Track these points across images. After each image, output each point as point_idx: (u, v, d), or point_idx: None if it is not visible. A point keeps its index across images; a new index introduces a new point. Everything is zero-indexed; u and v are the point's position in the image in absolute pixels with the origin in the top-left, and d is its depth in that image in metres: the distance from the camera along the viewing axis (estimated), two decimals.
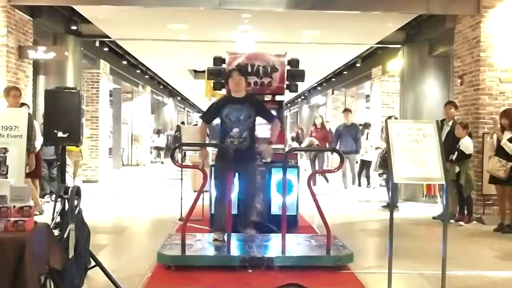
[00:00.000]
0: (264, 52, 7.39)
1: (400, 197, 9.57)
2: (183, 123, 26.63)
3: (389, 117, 10.06)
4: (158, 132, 23.94)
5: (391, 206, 9.08)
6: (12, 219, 3.26)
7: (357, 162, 12.97)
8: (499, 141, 7.58)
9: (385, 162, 8.58)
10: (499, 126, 7.79)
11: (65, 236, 3.71)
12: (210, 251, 5.61)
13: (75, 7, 9.84)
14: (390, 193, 9.42)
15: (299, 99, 28.53)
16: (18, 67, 8.57)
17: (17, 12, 8.47)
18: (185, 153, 8.77)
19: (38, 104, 9.87)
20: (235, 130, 5.84)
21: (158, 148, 23.52)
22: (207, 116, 6.26)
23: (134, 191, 12.12)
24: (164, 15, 9.83)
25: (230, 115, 5.88)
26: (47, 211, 7.91)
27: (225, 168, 5.62)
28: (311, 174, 5.72)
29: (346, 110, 12.59)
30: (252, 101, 6.11)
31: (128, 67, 16.35)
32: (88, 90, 13.37)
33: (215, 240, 5.84)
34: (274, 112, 7.13)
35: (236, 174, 5.91)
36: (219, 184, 5.92)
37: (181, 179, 8.59)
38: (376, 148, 10.74)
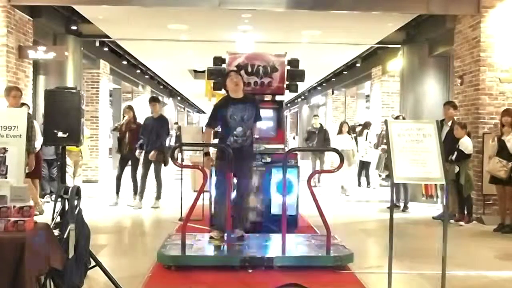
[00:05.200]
0: (264, 52, 7.39)
1: (400, 196, 9.56)
2: (176, 123, 26.64)
3: (397, 117, 10.07)
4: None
5: (404, 207, 9.28)
6: (12, 219, 3.26)
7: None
8: (500, 141, 7.58)
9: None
10: (499, 125, 7.80)
11: (65, 236, 3.70)
12: (210, 251, 5.61)
13: (75, 7, 9.85)
14: (403, 194, 9.48)
15: (299, 99, 28.54)
16: (18, 67, 8.57)
17: (17, 12, 8.47)
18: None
19: (38, 104, 9.88)
20: (239, 129, 5.93)
21: None
22: (213, 122, 6.24)
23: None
24: (164, 15, 9.83)
25: (234, 115, 5.95)
26: (47, 211, 7.91)
27: (226, 168, 5.65)
28: (311, 173, 5.71)
29: (153, 100, 9.79)
30: (253, 101, 6.20)
31: (128, 67, 16.35)
32: (88, 90, 13.36)
33: (211, 238, 5.89)
34: (273, 113, 7.18)
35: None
36: (221, 184, 5.93)
37: (181, 179, 8.59)
38: (382, 149, 10.49)
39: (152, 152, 9.03)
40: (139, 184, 9.35)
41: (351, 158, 11.87)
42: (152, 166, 9.27)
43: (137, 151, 9.17)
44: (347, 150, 11.51)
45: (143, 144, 9.14)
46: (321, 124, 13.57)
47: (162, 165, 9.39)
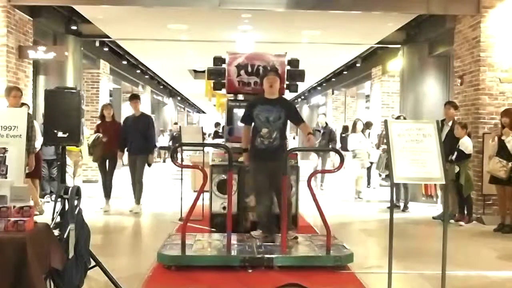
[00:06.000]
0: (264, 52, 7.39)
1: (400, 196, 9.57)
2: (176, 123, 26.69)
3: (398, 117, 10.06)
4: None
5: (404, 207, 9.28)
6: (12, 219, 3.26)
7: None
8: (501, 141, 7.58)
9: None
10: (499, 125, 7.81)
11: (65, 236, 3.70)
12: (210, 251, 5.61)
13: (75, 7, 9.85)
14: (403, 194, 9.46)
15: (299, 99, 28.54)
16: (18, 67, 8.58)
17: (17, 12, 8.47)
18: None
19: (38, 104, 9.88)
20: (265, 130, 5.91)
21: None
22: (246, 119, 6.18)
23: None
24: (164, 15, 9.84)
25: (260, 115, 5.95)
26: (47, 211, 7.91)
27: (260, 168, 5.72)
28: (312, 173, 5.70)
29: (134, 98, 9.22)
30: (283, 103, 6.16)
31: (128, 67, 16.35)
32: (88, 90, 13.37)
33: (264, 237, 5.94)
34: None
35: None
36: (259, 184, 5.96)
37: (181, 179, 8.59)
38: (383, 150, 10.35)
39: (150, 156, 8.78)
40: (132, 189, 8.90)
41: (366, 158, 11.21)
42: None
43: (119, 153, 8.85)
44: (361, 150, 11.02)
45: (125, 145, 8.83)
46: (326, 123, 12.85)
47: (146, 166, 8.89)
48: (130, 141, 8.78)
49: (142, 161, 8.76)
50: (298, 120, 6.28)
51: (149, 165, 8.90)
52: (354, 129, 11.38)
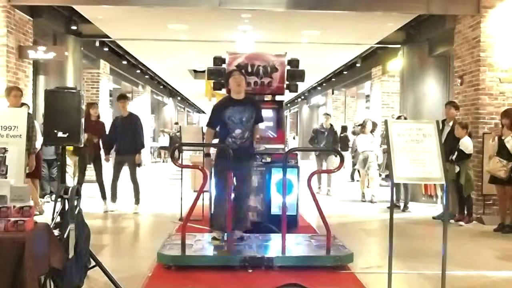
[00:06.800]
0: (264, 52, 7.40)
1: (400, 196, 9.57)
2: (176, 123, 26.71)
3: (398, 117, 10.05)
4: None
5: (404, 207, 9.28)
6: (12, 219, 3.26)
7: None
8: (500, 141, 7.58)
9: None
10: (500, 125, 7.81)
11: (65, 236, 3.71)
12: (210, 251, 5.61)
13: (75, 7, 9.85)
14: (403, 194, 9.45)
15: (299, 99, 28.55)
16: (18, 67, 8.57)
17: (17, 12, 8.47)
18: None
19: (38, 104, 9.88)
20: (238, 131, 5.85)
21: None
22: (212, 123, 6.11)
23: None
24: (164, 15, 9.84)
25: (232, 117, 5.86)
26: (47, 211, 7.91)
27: (225, 167, 5.63)
28: (312, 173, 5.69)
29: (122, 98, 9.19)
30: (253, 102, 6.14)
31: (128, 67, 16.35)
32: (88, 90, 13.37)
33: (213, 238, 5.89)
34: (273, 113, 7.19)
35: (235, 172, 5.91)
36: (220, 183, 5.92)
37: (181, 179, 8.59)
38: (383, 150, 10.22)
39: (137, 156, 8.70)
40: (110, 188, 8.88)
41: (374, 160, 10.63)
42: (126, 169, 8.79)
43: (105, 156, 8.80)
44: (371, 151, 10.65)
45: (112, 146, 8.78)
46: (331, 125, 12.29)
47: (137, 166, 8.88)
48: (118, 142, 8.75)
49: (132, 162, 8.76)
50: (259, 119, 6.10)
51: (139, 165, 8.87)
52: (363, 130, 11.01)
